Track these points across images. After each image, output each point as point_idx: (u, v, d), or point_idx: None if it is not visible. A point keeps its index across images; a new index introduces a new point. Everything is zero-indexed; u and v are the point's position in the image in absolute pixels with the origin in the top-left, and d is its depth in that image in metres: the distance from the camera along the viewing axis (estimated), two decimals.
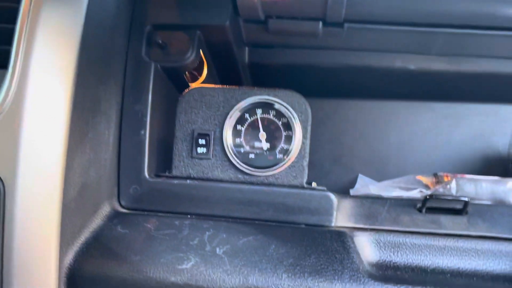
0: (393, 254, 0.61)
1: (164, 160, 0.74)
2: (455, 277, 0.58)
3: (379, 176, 0.83)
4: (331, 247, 0.60)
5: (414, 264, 0.60)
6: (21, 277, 0.55)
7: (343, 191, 0.70)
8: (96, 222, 0.64)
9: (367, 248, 0.62)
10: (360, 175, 0.84)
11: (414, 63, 0.79)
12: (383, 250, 0.62)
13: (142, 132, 0.68)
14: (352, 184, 0.83)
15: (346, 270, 0.57)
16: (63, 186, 0.57)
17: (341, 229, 0.64)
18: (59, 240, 0.57)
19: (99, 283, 0.59)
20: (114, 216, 0.67)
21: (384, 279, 0.56)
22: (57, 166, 0.56)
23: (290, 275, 0.56)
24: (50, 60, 0.55)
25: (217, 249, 0.60)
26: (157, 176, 0.70)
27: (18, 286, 0.55)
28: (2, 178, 0.53)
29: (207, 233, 0.62)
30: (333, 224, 0.65)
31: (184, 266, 0.58)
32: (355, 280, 0.55)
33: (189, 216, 0.67)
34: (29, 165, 0.54)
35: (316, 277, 0.56)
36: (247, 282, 0.56)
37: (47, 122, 0.55)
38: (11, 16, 0.55)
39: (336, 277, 0.56)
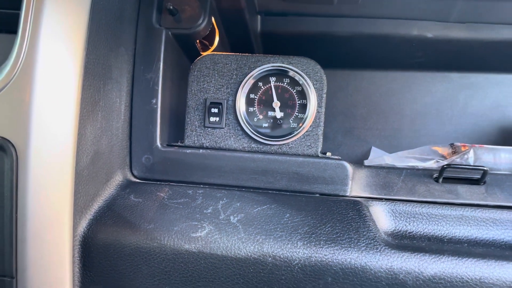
0: (409, 223, 0.60)
1: (176, 129, 0.73)
2: (472, 246, 0.58)
3: (392, 148, 0.82)
4: (347, 216, 0.59)
5: (431, 234, 0.60)
6: (35, 245, 0.55)
7: (356, 163, 0.68)
8: (109, 191, 0.64)
9: (383, 218, 0.61)
10: (373, 147, 0.83)
11: (431, 30, 0.76)
12: (399, 219, 0.61)
13: (154, 101, 0.67)
14: (365, 156, 0.82)
15: (362, 238, 0.56)
16: (75, 154, 0.56)
17: (357, 199, 0.64)
18: (72, 208, 0.57)
19: (113, 250, 0.59)
20: (127, 185, 0.66)
21: (401, 248, 0.55)
22: (69, 133, 0.55)
23: (305, 243, 0.56)
24: (60, 25, 0.54)
25: (231, 218, 0.59)
26: (169, 145, 0.69)
27: (32, 254, 0.55)
28: (14, 144, 0.53)
29: (220, 202, 0.62)
30: (348, 194, 0.64)
31: (198, 234, 0.57)
32: (372, 248, 0.55)
33: (202, 185, 0.66)
34: (41, 132, 0.53)
35: (331, 245, 0.55)
36: (262, 250, 0.56)
37: (58, 88, 0.54)
38: None
39: (352, 245, 0.55)
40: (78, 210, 0.58)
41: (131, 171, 0.68)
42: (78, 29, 0.55)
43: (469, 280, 0.52)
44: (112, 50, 0.63)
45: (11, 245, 0.54)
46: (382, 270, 0.53)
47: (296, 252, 0.55)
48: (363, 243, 0.55)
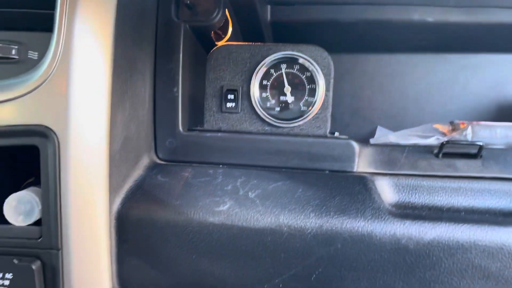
0: (411, 195, 0.67)
1: (195, 115, 0.79)
2: (468, 214, 0.64)
3: (397, 127, 0.87)
4: (354, 190, 0.65)
5: (431, 204, 0.66)
6: (77, 221, 0.62)
7: (363, 142, 0.74)
8: (138, 172, 0.71)
9: (387, 191, 0.67)
10: (379, 127, 0.88)
11: (432, 15, 0.81)
12: (402, 192, 0.67)
13: (175, 89, 0.73)
14: (371, 135, 0.88)
15: (368, 209, 0.62)
16: (109, 139, 0.63)
17: (363, 174, 0.70)
18: (107, 187, 0.63)
19: (145, 224, 0.66)
20: (154, 167, 0.73)
21: (403, 216, 0.61)
22: (103, 121, 0.61)
23: (317, 214, 0.62)
24: (90, 23, 0.60)
25: (249, 193, 0.66)
26: (190, 130, 0.75)
27: (74, 229, 0.62)
28: (56, 132, 0.59)
29: (239, 180, 0.68)
30: (355, 170, 0.70)
31: (221, 208, 0.64)
32: (377, 217, 0.61)
33: (221, 166, 0.73)
34: (78, 120, 0.59)
35: (341, 216, 0.62)
36: (278, 221, 0.62)
37: (92, 81, 0.60)
38: None
39: (359, 215, 0.61)
40: (112, 189, 0.65)
41: (156, 154, 0.75)
42: (106, 25, 0.61)
43: (464, 244, 0.58)
44: (136, 43, 0.68)
45: (56, 221, 0.61)
46: (386, 236, 0.60)
47: (308, 222, 0.62)
48: (369, 213, 0.62)
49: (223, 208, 0.64)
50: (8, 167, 0.69)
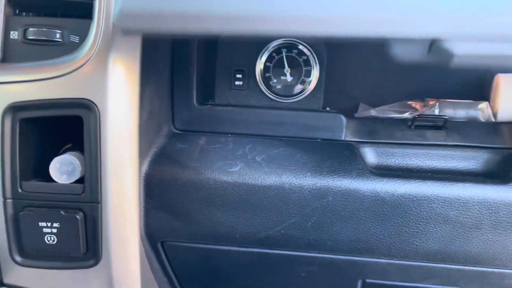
0: (389, 159, 0.81)
1: (206, 91, 0.91)
2: (434, 174, 0.79)
3: (377, 104, 1.00)
4: (342, 155, 0.79)
5: (404, 166, 0.80)
6: (113, 179, 0.71)
7: (349, 115, 0.87)
8: (161, 140, 0.83)
9: (369, 156, 0.81)
10: (361, 103, 1.01)
11: None
12: (381, 157, 0.81)
13: (191, 69, 0.85)
14: (355, 110, 1.01)
15: (354, 170, 0.76)
16: (138, 111, 0.73)
17: (350, 142, 0.84)
18: (137, 152, 0.75)
19: (168, 183, 0.78)
20: (173, 136, 0.85)
21: (381, 175, 0.76)
22: (134, 94, 0.71)
23: (312, 173, 0.76)
24: None
25: (256, 157, 0.79)
26: (203, 104, 0.87)
27: (111, 186, 0.71)
28: (97, 104, 0.69)
29: (247, 146, 0.81)
30: (343, 139, 0.84)
31: (233, 169, 0.77)
32: (360, 176, 0.75)
33: (230, 135, 0.86)
34: (115, 95, 0.69)
35: (331, 175, 0.76)
36: (281, 180, 0.76)
37: (126, 60, 0.70)
38: None
39: (346, 174, 0.76)
40: (141, 154, 0.76)
41: (173, 124, 0.87)
42: None
43: (429, 196, 0.73)
44: None
45: (96, 179, 0.71)
46: (368, 191, 0.74)
47: (305, 180, 0.76)
48: (354, 172, 0.76)
49: (235, 169, 0.77)
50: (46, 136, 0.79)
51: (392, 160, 0.80)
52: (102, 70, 0.68)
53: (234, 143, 0.82)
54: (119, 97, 0.70)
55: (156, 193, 0.78)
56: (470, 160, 0.79)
